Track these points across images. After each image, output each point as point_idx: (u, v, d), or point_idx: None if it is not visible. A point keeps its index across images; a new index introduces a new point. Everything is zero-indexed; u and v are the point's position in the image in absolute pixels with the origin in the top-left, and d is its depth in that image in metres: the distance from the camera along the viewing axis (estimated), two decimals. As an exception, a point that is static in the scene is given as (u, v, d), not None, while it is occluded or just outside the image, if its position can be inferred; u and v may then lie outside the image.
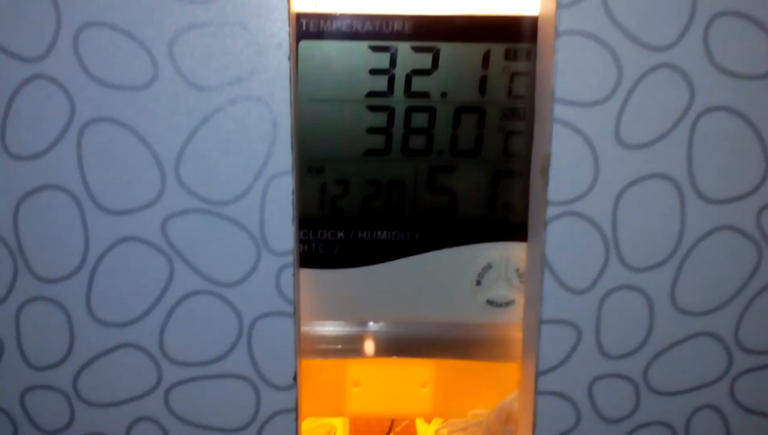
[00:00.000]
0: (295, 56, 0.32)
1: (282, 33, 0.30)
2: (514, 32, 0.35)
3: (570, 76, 0.30)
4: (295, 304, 0.33)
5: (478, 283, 0.38)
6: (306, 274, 0.38)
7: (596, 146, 0.31)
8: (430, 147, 0.37)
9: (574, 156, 0.31)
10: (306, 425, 0.45)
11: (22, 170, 0.31)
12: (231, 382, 0.33)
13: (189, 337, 0.33)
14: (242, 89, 0.31)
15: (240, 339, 0.33)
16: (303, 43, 0.35)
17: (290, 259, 0.32)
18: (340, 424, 0.49)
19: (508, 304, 0.38)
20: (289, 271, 0.32)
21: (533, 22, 0.34)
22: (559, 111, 0.31)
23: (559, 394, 0.33)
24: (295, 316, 0.33)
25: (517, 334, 0.38)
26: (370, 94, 0.36)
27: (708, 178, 0.32)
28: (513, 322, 0.39)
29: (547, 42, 0.32)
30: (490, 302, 0.38)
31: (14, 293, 0.32)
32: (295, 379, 0.33)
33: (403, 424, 0.50)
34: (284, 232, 0.32)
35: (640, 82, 0.30)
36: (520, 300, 0.38)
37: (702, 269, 0.32)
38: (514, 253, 0.38)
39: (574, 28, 0.30)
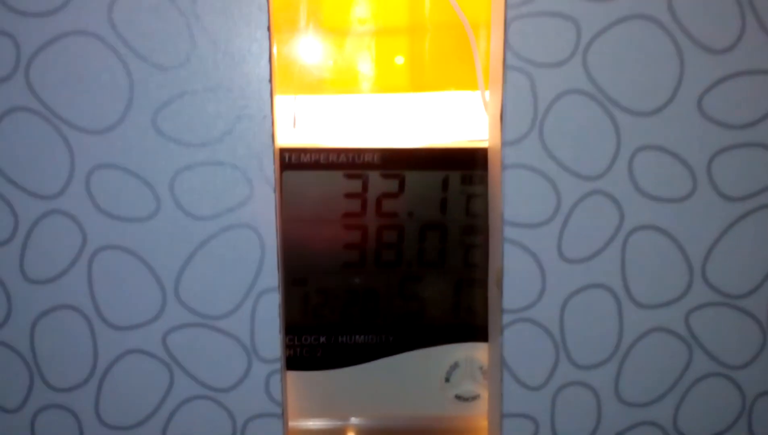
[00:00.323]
0: (279, 186, 0.35)
1: (268, 169, 0.33)
2: (468, 161, 0.39)
3: (516, 202, 0.34)
4: (283, 405, 0.35)
5: (447, 380, 0.41)
6: (292, 375, 0.40)
7: (542, 261, 0.34)
8: (399, 259, 0.40)
9: (524, 270, 0.34)
10: None
11: (38, 293, 0.34)
12: (226, 477, 0.36)
13: (188, 439, 0.35)
14: (234, 218, 0.34)
15: (234, 439, 0.35)
16: (287, 173, 0.39)
17: (278, 365, 0.35)
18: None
19: (474, 398, 0.41)
20: (277, 376, 0.35)
21: (484, 152, 0.38)
22: (509, 232, 0.34)
23: (522, 480, 0.36)
24: (283, 416, 0.35)
25: (483, 425, 0.40)
26: (346, 215, 0.39)
27: (640, 287, 0.35)
28: (479, 414, 0.41)
29: (495, 173, 0.35)
30: (458, 397, 0.41)
31: (30, 402, 0.35)
32: (284, 473, 0.36)
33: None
34: (272, 342, 0.35)
35: (577, 207, 0.34)
36: (485, 394, 0.41)
37: (641, 365, 0.35)
38: (477, 352, 0.40)
39: (518, 162, 0.34)
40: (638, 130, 0.34)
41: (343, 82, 0.43)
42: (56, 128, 0.33)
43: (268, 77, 0.33)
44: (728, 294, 0.35)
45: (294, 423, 0.41)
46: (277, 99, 0.35)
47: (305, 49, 0.43)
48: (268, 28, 0.32)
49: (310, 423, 0.42)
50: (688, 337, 0.35)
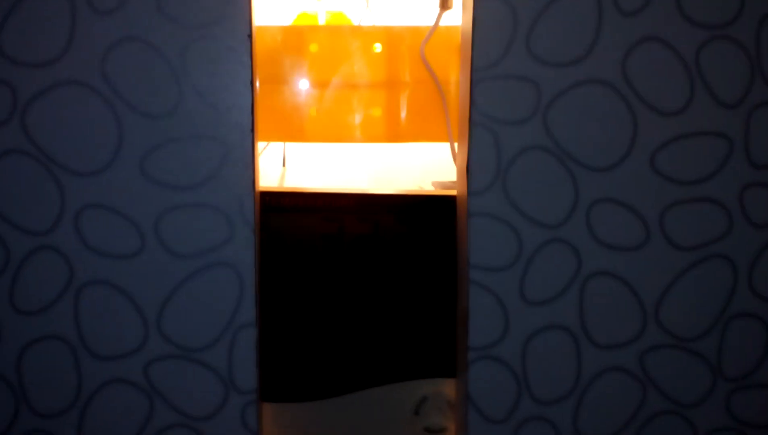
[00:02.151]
0: (259, 228, 0.37)
1: (248, 212, 0.35)
2: (438, 208, 0.40)
3: (481, 247, 0.36)
4: (259, 434, 0.37)
5: (416, 413, 0.42)
6: (268, 407, 0.42)
7: (505, 303, 0.36)
8: (373, 299, 0.41)
9: (488, 310, 0.36)
10: None
11: (26, 323, 0.36)
12: (203, 502, 0.37)
13: (166, 465, 0.37)
14: (215, 257, 0.36)
15: (210, 466, 0.37)
16: (266, 215, 0.40)
17: (254, 396, 0.36)
18: None
19: (442, 430, 0.42)
20: (253, 407, 0.36)
21: (453, 200, 0.40)
22: (474, 274, 0.36)
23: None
24: (258, 445, 0.37)
25: (450, 456, 0.42)
26: (324, 255, 0.41)
27: (597, 329, 0.37)
28: (447, 446, 0.43)
29: (462, 220, 0.37)
30: (426, 429, 0.42)
31: (15, 427, 0.36)
32: (258, 500, 0.37)
33: None
34: (249, 374, 0.36)
35: (537, 253, 0.36)
36: (452, 427, 0.42)
37: (598, 402, 0.37)
38: (445, 387, 0.42)
39: (482, 210, 0.36)
40: (595, 184, 0.36)
41: (325, 131, 0.45)
42: (49, 170, 0.35)
43: (250, 127, 0.35)
44: (680, 337, 0.37)
45: (269, 451, 0.43)
46: (270, 144, 0.36)
47: (291, 100, 0.45)
48: (251, 83, 0.34)
49: (286, 451, 0.43)
50: (642, 376, 0.37)
